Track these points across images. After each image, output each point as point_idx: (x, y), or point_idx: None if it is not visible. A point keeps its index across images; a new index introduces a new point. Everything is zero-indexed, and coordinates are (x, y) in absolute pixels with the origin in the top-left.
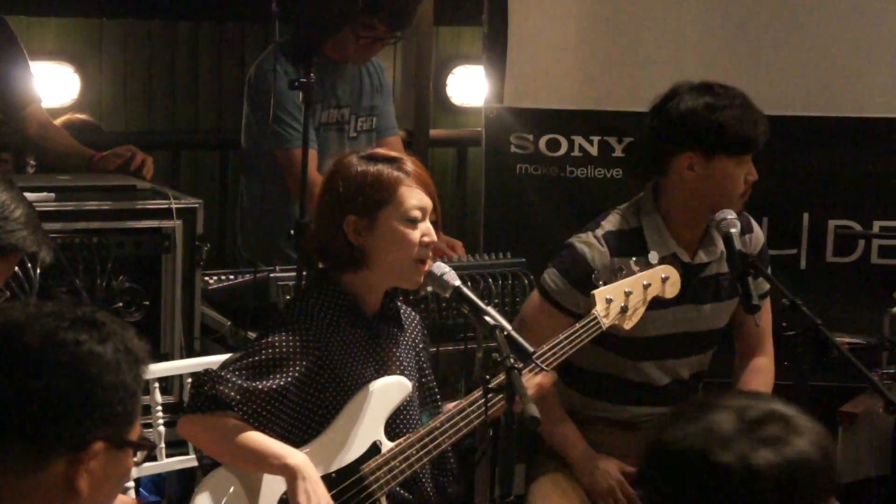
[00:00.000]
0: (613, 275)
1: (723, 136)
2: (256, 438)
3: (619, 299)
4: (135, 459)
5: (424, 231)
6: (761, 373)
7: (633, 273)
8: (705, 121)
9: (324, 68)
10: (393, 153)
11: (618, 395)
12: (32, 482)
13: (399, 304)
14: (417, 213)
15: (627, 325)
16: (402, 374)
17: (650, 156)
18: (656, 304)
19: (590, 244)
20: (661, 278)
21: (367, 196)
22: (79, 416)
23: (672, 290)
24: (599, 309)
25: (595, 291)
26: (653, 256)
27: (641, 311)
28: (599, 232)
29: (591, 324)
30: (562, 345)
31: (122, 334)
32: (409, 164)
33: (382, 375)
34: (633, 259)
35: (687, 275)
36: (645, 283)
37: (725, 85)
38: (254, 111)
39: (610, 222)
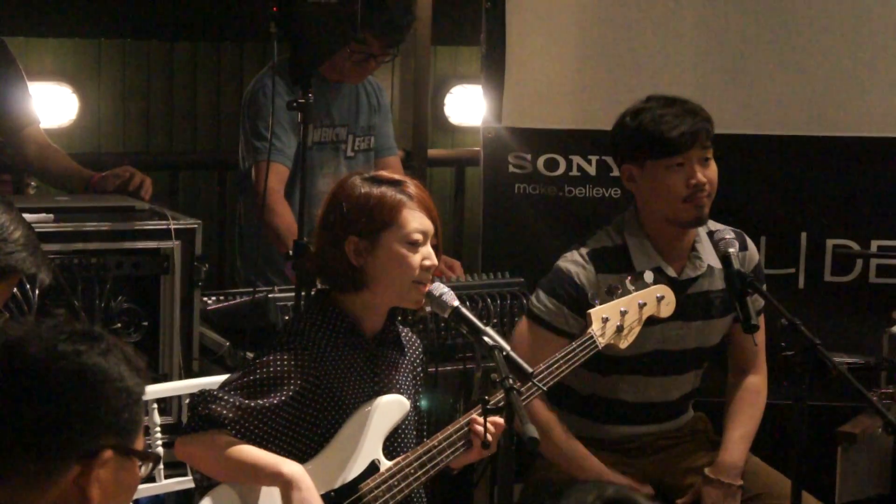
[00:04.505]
0: (609, 294)
1: (642, 140)
2: (250, 451)
3: (615, 318)
4: (140, 473)
5: (425, 255)
6: (753, 392)
7: (629, 292)
8: (627, 129)
9: (319, 87)
10: (395, 175)
11: (604, 415)
12: (46, 494)
13: (400, 326)
14: (419, 237)
15: (623, 345)
16: (400, 394)
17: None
18: (646, 321)
19: (575, 262)
20: (657, 297)
21: (369, 218)
22: (87, 424)
23: (667, 309)
24: (595, 328)
25: (591, 311)
26: (648, 276)
27: (637, 330)
28: (584, 250)
29: (588, 343)
30: (558, 364)
31: (119, 345)
32: (412, 186)
33: (381, 395)
34: (629, 278)
35: (675, 290)
36: (640, 301)
37: (668, 95)
38: (246, 131)
39: (595, 240)
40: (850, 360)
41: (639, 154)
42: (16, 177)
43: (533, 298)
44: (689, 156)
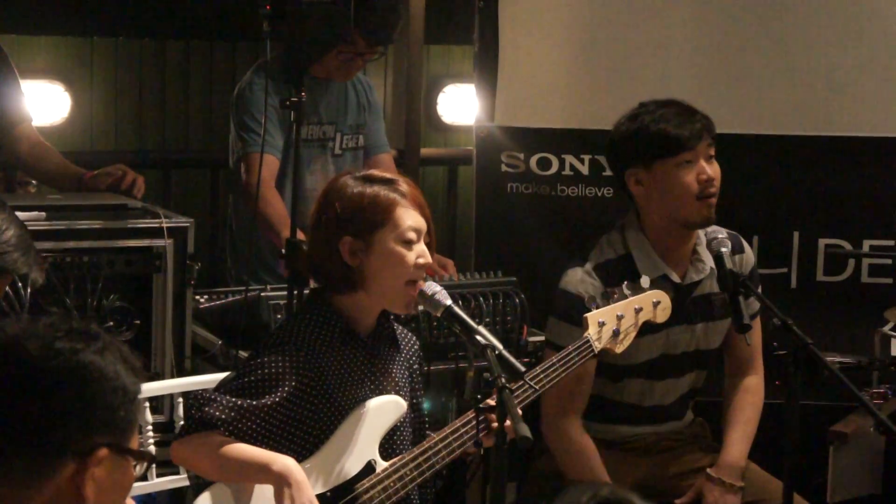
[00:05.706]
0: (606, 299)
1: (649, 141)
2: (242, 449)
3: (612, 323)
4: (135, 473)
5: (419, 253)
6: (751, 393)
7: (625, 297)
8: (631, 132)
9: (307, 85)
10: (388, 174)
11: (609, 416)
12: (40, 492)
13: (395, 324)
14: (413, 235)
15: (618, 349)
16: (397, 393)
17: (616, 183)
18: (651, 327)
19: (582, 281)
20: (653, 303)
21: (363, 217)
22: (83, 422)
23: (663, 314)
24: (592, 332)
25: (588, 315)
26: (644, 281)
27: (633, 335)
28: (589, 266)
29: (584, 347)
30: (554, 367)
31: (116, 344)
32: (404, 184)
33: (378, 395)
34: (625, 283)
35: (679, 295)
36: (637, 307)
37: (658, 99)
38: (235, 127)
39: (597, 254)
40: (842, 360)
41: (646, 155)
42: (8, 175)
43: (551, 329)
44: (697, 152)
